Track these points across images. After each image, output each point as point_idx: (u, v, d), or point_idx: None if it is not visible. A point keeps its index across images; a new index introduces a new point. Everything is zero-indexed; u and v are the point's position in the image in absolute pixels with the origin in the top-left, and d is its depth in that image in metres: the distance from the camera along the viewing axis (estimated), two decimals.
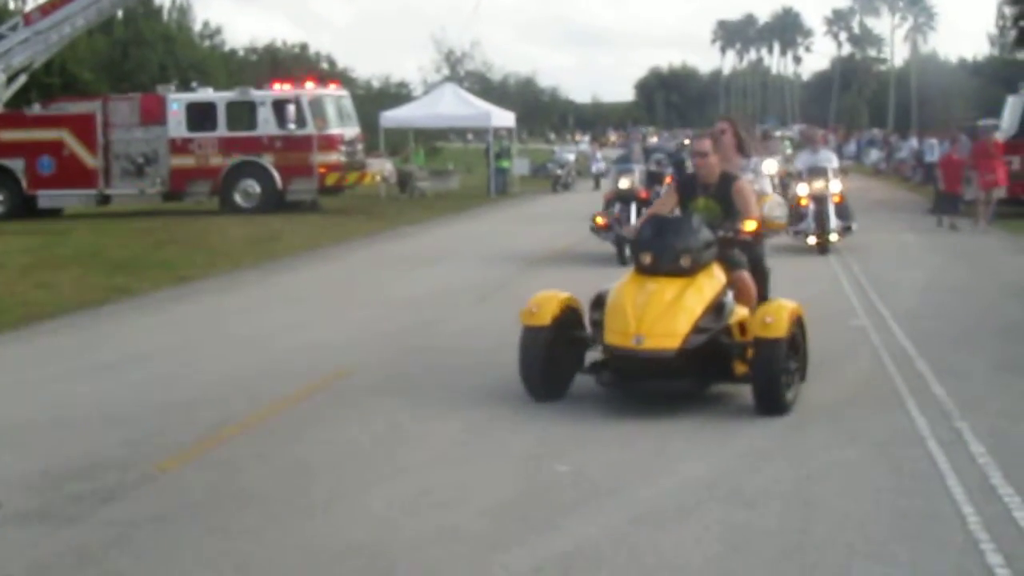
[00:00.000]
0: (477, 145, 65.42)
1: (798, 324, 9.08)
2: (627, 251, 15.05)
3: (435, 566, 5.82)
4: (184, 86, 36.05)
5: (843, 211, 20.57)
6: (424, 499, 6.85)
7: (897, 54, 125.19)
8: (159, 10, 65.90)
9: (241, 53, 74.73)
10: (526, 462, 7.60)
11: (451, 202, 35.49)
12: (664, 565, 5.72)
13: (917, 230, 24.99)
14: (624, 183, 18.65)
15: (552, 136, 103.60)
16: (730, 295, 9.05)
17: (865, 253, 19.64)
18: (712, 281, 8.95)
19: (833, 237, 19.90)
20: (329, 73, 62.73)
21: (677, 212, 9.86)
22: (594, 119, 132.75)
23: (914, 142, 48.11)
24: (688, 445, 7.93)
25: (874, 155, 59.45)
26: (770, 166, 13.63)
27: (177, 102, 31.49)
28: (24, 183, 30.89)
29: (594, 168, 46.16)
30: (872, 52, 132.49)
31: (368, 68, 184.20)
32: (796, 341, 9.00)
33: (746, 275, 9.40)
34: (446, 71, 68.17)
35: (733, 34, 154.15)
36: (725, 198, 9.69)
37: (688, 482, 7.09)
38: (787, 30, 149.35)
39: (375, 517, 6.53)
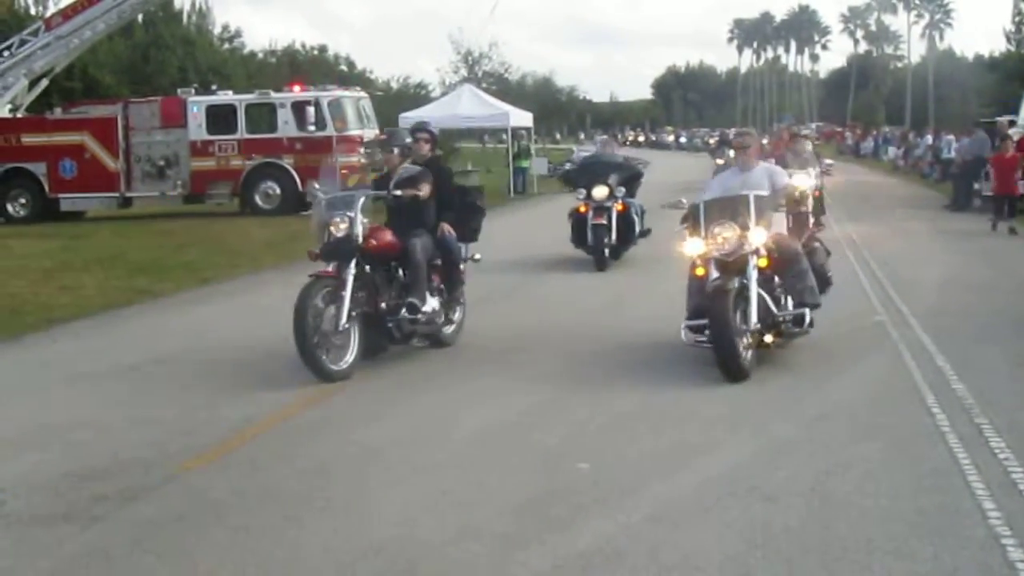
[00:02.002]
0: (493, 146, 65.44)
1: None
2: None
3: (455, 565, 5.84)
4: (204, 89, 36.16)
5: (793, 275, 10.55)
6: (444, 498, 6.87)
7: (914, 51, 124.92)
8: (179, 14, 66.15)
9: (260, 56, 74.94)
10: (545, 461, 7.62)
11: None
12: (684, 563, 5.73)
13: (936, 227, 24.86)
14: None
15: (557, 136, 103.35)
16: None
17: (883, 250, 19.59)
18: None
19: (768, 338, 10.17)
20: (348, 75, 62.85)
21: None
22: (612, 118, 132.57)
23: (930, 139, 47.98)
24: (707, 442, 7.94)
25: (891, 152, 59.28)
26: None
27: (197, 105, 31.57)
28: (46, 186, 31.05)
29: None
30: (889, 49, 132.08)
31: (387, 70, 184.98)
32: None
33: None
34: (464, 72, 68.18)
35: (750, 32, 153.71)
36: None
37: (708, 479, 7.10)
38: (804, 28, 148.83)
39: (396, 516, 6.55)
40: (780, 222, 11.09)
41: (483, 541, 6.10)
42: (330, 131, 30.55)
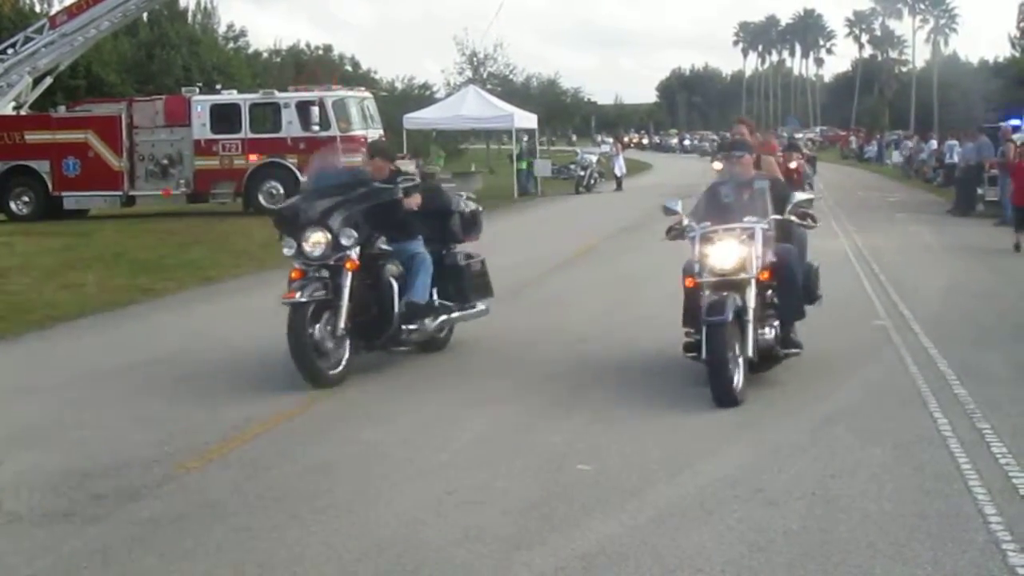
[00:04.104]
0: (497, 147, 65.46)
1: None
2: None
3: (459, 566, 5.84)
4: (208, 88, 36.17)
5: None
6: (448, 499, 6.87)
7: (919, 55, 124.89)
8: (184, 12, 66.22)
9: (265, 55, 74.95)
10: (549, 462, 7.62)
11: None
12: (686, 565, 5.73)
13: (939, 232, 24.84)
14: None
15: (573, 137, 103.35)
16: None
17: (886, 255, 19.58)
18: None
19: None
20: (353, 75, 62.87)
21: None
22: (616, 120, 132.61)
23: (935, 143, 47.97)
24: (711, 444, 7.94)
25: (896, 156, 59.28)
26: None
27: (201, 104, 31.59)
28: (50, 185, 31.06)
29: (617, 170, 46.09)
30: (894, 54, 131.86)
31: (391, 70, 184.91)
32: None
33: None
34: (469, 73, 68.10)
35: (755, 36, 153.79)
36: None
37: (710, 481, 7.10)
38: (809, 32, 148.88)
39: (399, 517, 6.56)
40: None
41: (486, 542, 6.10)
42: (334, 131, 30.53)
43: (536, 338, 12.19)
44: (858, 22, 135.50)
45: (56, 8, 45.11)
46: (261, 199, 30.88)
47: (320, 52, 79.87)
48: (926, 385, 9.63)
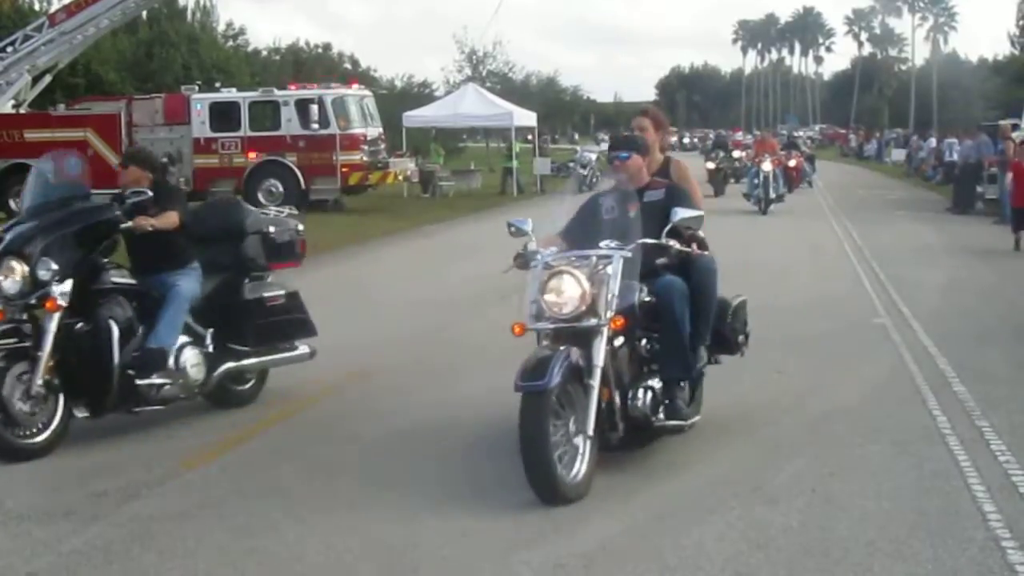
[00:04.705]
0: (497, 145, 65.37)
1: None
2: None
3: (458, 564, 5.85)
4: (208, 86, 36.15)
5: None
6: (447, 497, 6.88)
7: (918, 54, 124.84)
8: (183, 11, 66.08)
9: (264, 53, 74.83)
10: None
11: (473, 201, 35.45)
12: (686, 563, 5.74)
13: (938, 230, 24.83)
14: None
15: (576, 136, 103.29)
16: None
17: (885, 253, 19.58)
18: None
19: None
20: (352, 73, 62.83)
21: None
22: (616, 118, 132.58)
23: (934, 142, 48.00)
24: (710, 443, 7.93)
25: (896, 154, 59.28)
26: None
27: (201, 102, 31.58)
28: None
29: None
30: (893, 52, 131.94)
31: (391, 68, 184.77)
32: None
33: None
34: (468, 71, 68.06)
35: (754, 34, 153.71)
36: None
37: (710, 480, 7.11)
38: (808, 30, 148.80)
39: (398, 515, 6.56)
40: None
41: (485, 540, 6.11)
42: (333, 129, 30.55)
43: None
44: (857, 20, 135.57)
45: (55, 6, 45.10)
46: (261, 197, 30.80)
47: (319, 50, 79.70)
48: (925, 383, 9.64)
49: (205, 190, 31.40)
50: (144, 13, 49.79)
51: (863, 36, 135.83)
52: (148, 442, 8.25)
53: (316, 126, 30.43)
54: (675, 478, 7.18)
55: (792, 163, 34.27)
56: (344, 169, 30.71)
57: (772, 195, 29.15)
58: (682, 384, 7.55)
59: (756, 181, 29.34)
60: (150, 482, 7.30)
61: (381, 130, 33.10)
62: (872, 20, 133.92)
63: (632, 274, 7.16)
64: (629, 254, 7.14)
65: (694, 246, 7.63)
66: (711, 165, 37.23)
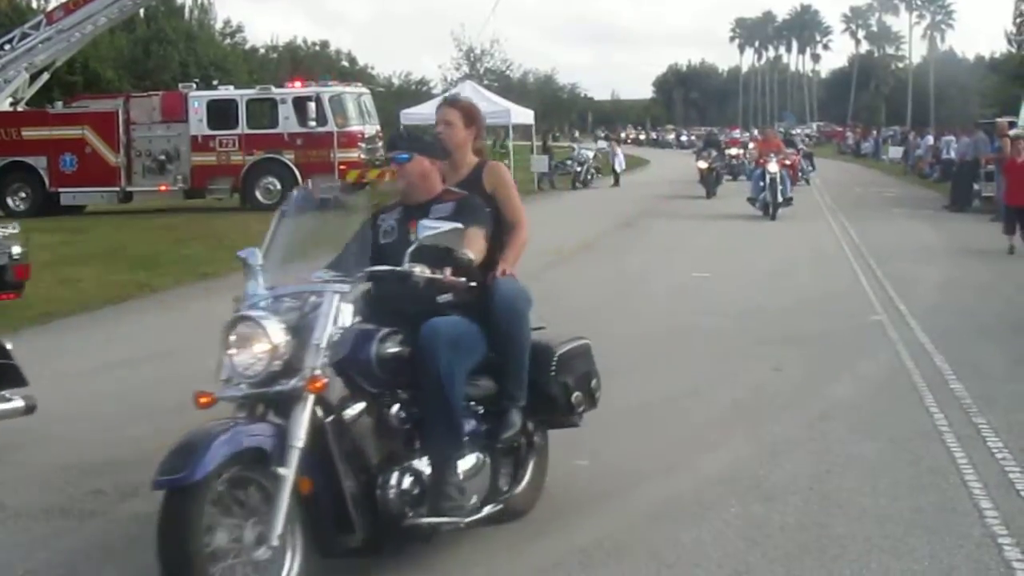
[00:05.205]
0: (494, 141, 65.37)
1: None
2: None
3: (455, 562, 5.85)
4: (205, 84, 36.15)
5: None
6: None
7: (915, 51, 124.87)
8: (181, 8, 66.15)
9: (262, 51, 74.89)
10: None
11: None
12: (683, 560, 5.74)
13: (935, 227, 24.84)
14: None
15: (576, 134, 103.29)
16: None
17: (882, 250, 19.58)
18: None
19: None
20: (349, 70, 62.86)
21: None
22: (613, 116, 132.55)
23: (931, 139, 48.02)
24: (707, 440, 7.95)
25: (893, 152, 59.30)
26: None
27: (198, 100, 31.58)
28: (47, 180, 31.01)
29: (617, 166, 45.99)
30: (890, 49, 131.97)
31: (389, 66, 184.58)
32: None
33: None
34: (466, 69, 68.12)
35: (752, 32, 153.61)
36: None
37: (707, 477, 7.11)
38: (805, 28, 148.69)
39: None
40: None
41: (483, 537, 6.10)
42: (331, 127, 30.57)
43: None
44: (855, 18, 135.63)
45: (53, 4, 45.08)
46: (258, 195, 30.86)
47: (317, 48, 79.76)
48: (922, 380, 9.65)
49: (203, 187, 31.49)
50: (142, 11, 49.84)
51: (860, 34, 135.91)
52: (146, 440, 8.22)
53: (313, 123, 30.46)
54: (672, 475, 7.18)
55: (788, 161, 34.25)
56: (341, 167, 30.71)
57: (780, 199, 27.10)
58: (456, 465, 5.61)
59: (762, 184, 27.31)
60: (148, 480, 7.24)
61: (378, 128, 33.10)
62: (869, 18, 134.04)
63: (373, 315, 5.47)
64: (347, 288, 5.35)
65: (447, 271, 5.61)
66: (703, 165, 36.85)
